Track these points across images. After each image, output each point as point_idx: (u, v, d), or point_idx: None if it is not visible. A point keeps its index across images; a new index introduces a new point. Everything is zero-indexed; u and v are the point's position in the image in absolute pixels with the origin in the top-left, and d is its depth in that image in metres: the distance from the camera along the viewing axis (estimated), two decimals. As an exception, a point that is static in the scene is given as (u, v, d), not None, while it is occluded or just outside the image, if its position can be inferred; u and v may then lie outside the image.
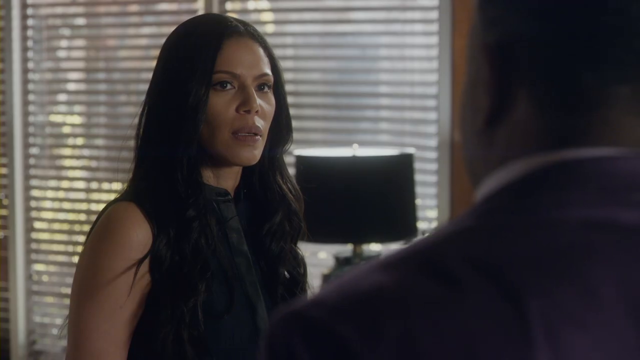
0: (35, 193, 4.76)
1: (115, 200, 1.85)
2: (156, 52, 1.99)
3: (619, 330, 0.76)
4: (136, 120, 1.91)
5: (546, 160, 0.83)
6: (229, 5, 4.35)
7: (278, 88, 1.93)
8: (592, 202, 0.80)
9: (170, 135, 1.83)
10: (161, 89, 1.87)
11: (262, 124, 1.86)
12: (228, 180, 1.91)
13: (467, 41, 0.91)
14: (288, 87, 4.23)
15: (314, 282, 3.36)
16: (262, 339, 0.79)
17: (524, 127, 0.85)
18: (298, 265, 1.99)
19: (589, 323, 0.75)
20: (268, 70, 1.89)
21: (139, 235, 1.78)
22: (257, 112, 1.85)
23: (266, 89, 1.89)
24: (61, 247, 4.78)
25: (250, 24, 1.93)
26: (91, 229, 1.85)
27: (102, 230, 1.80)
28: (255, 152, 1.86)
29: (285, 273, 1.97)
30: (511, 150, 0.85)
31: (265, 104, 1.88)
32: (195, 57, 1.83)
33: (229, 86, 1.85)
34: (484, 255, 0.78)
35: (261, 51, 1.89)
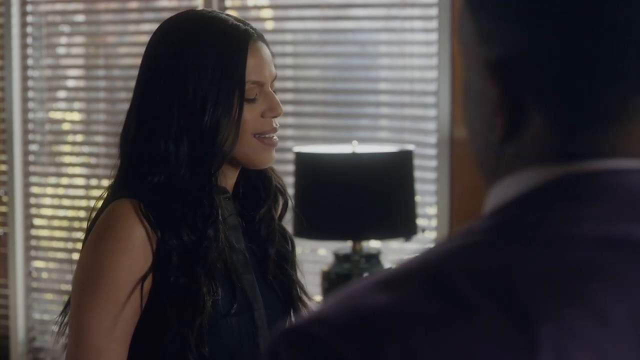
0: (34, 190, 4.75)
1: (117, 197, 1.84)
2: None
3: (630, 353, 0.74)
4: (128, 118, 1.90)
5: (561, 171, 0.81)
6: (228, 2, 4.35)
7: None
8: (608, 218, 0.78)
9: (195, 148, 1.81)
10: (179, 99, 1.82)
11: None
12: (230, 179, 1.91)
13: (459, 47, 0.88)
14: (287, 84, 4.25)
15: (314, 280, 3.36)
16: (263, 353, 0.78)
17: (539, 141, 0.82)
18: (286, 242, 2.01)
19: (599, 347, 0.73)
20: (275, 70, 1.90)
21: (141, 232, 1.78)
22: None
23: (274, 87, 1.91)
24: (61, 244, 4.78)
25: (250, 24, 1.92)
26: (92, 224, 1.84)
27: (104, 227, 1.80)
28: (274, 154, 1.89)
29: (274, 252, 1.97)
30: (525, 160, 0.83)
31: None
32: (223, 72, 1.82)
33: (257, 96, 1.85)
34: (493, 274, 0.76)
35: (269, 53, 1.89)
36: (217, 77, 1.81)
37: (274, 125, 1.87)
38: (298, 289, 1.99)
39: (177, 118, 1.82)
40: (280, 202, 2.00)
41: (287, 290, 1.97)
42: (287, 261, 1.99)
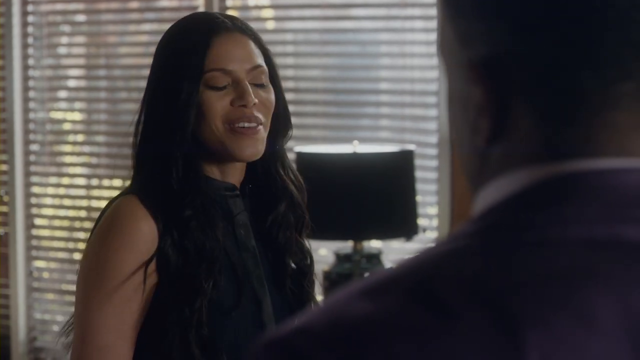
0: (35, 190, 4.76)
1: (119, 195, 1.85)
2: (156, 49, 2.00)
3: (620, 358, 0.72)
4: (136, 117, 1.92)
5: (547, 172, 0.79)
6: (229, 2, 4.35)
7: (274, 80, 1.93)
8: (596, 219, 0.76)
9: (163, 133, 1.84)
10: (154, 87, 1.89)
11: (261, 116, 1.87)
12: (234, 175, 1.91)
13: (439, 53, 0.87)
14: (288, 84, 4.25)
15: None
16: None
17: (525, 141, 0.81)
18: (304, 257, 1.99)
19: (588, 352, 0.72)
20: (261, 62, 1.89)
21: (145, 228, 1.79)
22: (254, 104, 1.85)
23: (264, 82, 1.89)
24: (61, 244, 4.78)
25: (239, 19, 1.94)
26: (95, 223, 1.85)
27: (109, 224, 1.80)
28: (259, 147, 1.87)
29: (292, 264, 1.97)
30: (512, 162, 0.81)
31: (265, 98, 1.88)
32: (185, 56, 1.84)
33: (226, 86, 1.85)
34: (478, 280, 0.74)
35: (252, 44, 1.89)
36: (178, 70, 1.84)
37: (247, 114, 1.85)
38: (313, 305, 1.99)
39: (157, 114, 1.87)
40: (298, 214, 1.98)
41: (302, 305, 1.96)
42: (304, 276, 1.98)
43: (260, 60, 1.88)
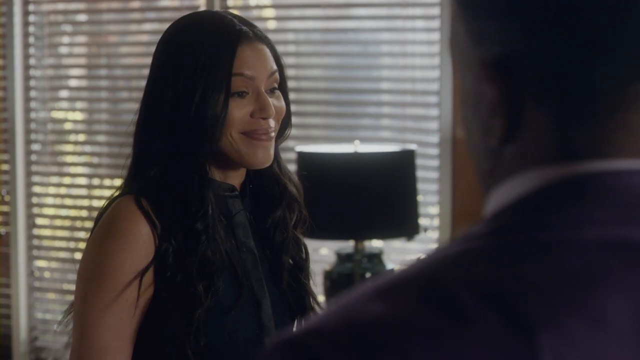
0: (36, 189, 4.76)
1: (118, 195, 1.84)
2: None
3: None
4: (136, 116, 1.91)
5: (560, 172, 0.79)
6: (230, 2, 4.35)
7: (282, 84, 1.94)
8: (609, 221, 0.76)
9: (183, 142, 1.82)
10: (165, 88, 1.85)
11: (274, 124, 1.88)
12: (235, 177, 1.91)
13: (451, 52, 0.87)
14: (289, 84, 4.21)
15: (316, 279, 3.38)
16: None
17: (539, 141, 0.80)
18: (300, 251, 2.00)
19: (600, 355, 0.72)
20: (275, 66, 1.90)
21: (145, 229, 1.78)
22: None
23: (276, 89, 1.90)
24: (63, 244, 4.78)
25: (255, 25, 1.93)
26: (95, 222, 1.84)
27: (109, 223, 1.80)
28: (270, 153, 1.88)
29: (290, 261, 1.97)
30: (525, 162, 0.81)
31: (279, 106, 1.89)
32: (211, 67, 1.82)
33: (244, 94, 1.85)
34: (492, 282, 0.74)
35: (268, 52, 1.89)
36: (205, 74, 1.82)
37: (264, 125, 1.86)
38: (311, 299, 1.99)
39: (168, 115, 1.83)
40: (295, 211, 2.00)
41: (300, 299, 1.97)
42: (301, 270, 1.99)
43: (275, 67, 1.90)
